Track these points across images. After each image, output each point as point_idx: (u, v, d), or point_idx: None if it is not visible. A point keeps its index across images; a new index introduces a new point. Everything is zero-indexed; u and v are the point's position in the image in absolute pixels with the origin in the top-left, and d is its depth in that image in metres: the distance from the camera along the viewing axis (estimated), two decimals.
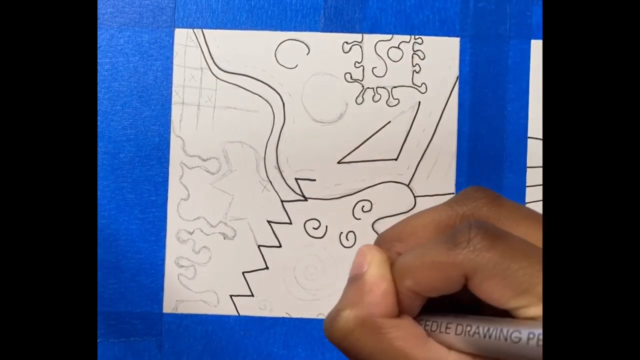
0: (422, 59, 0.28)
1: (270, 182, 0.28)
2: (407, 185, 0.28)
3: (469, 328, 0.18)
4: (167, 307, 0.28)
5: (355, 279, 0.20)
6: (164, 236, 0.28)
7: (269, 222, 0.28)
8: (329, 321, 0.20)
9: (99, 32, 0.28)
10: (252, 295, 0.28)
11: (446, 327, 0.19)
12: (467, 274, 0.18)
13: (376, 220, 0.28)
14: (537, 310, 0.17)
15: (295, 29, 0.28)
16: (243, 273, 0.28)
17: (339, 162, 0.28)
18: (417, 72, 0.28)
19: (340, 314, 0.19)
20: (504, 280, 0.17)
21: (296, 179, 0.28)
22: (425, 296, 0.19)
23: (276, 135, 0.28)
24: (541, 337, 0.16)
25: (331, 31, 0.28)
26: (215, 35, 0.28)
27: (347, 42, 0.28)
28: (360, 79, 0.28)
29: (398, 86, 0.28)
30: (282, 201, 0.28)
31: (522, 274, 0.17)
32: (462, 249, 0.18)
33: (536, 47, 0.28)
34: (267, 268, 0.28)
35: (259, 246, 0.28)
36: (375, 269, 0.20)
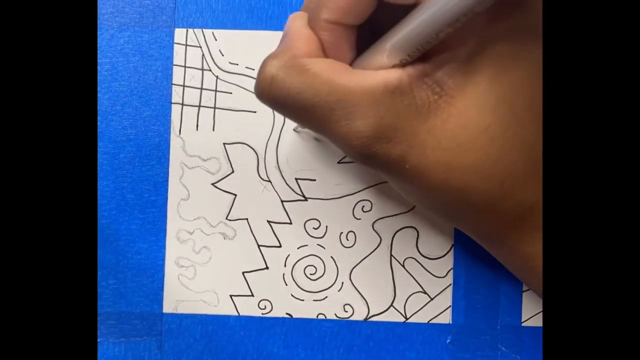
0: None
1: (270, 182, 0.28)
2: None
3: (395, 35, 0.18)
4: (167, 307, 0.28)
5: (282, 38, 0.20)
6: (164, 236, 0.28)
7: (269, 222, 0.28)
8: (257, 79, 0.20)
9: (99, 32, 0.28)
10: (252, 295, 0.28)
11: (374, 51, 0.19)
12: None
13: (376, 220, 0.28)
14: None
15: None
16: (243, 273, 0.28)
17: (339, 162, 0.28)
18: None
19: (265, 65, 0.20)
20: None
21: (296, 179, 0.28)
22: (347, 29, 0.19)
23: (276, 135, 0.28)
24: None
25: None
26: (215, 35, 0.28)
27: None
28: None
29: None
30: (282, 201, 0.28)
31: None
32: None
33: None
34: (267, 268, 0.28)
35: (259, 246, 0.28)
36: (296, 23, 0.20)
